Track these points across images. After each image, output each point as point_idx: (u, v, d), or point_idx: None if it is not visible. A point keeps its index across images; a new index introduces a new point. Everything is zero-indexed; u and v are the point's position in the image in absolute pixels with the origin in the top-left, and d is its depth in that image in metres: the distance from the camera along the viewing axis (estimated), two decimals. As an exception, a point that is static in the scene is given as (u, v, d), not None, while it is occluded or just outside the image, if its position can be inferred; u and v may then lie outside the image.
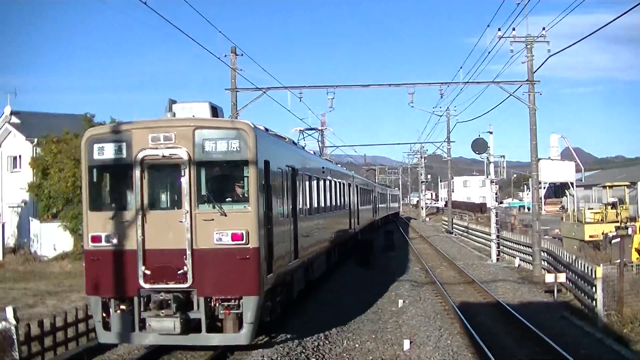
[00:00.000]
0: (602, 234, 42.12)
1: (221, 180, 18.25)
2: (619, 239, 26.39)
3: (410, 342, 20.87)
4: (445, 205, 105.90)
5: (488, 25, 49.92)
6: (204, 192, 17.76)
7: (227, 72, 39.94)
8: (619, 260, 25.68)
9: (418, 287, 33.55)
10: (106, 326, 18.09)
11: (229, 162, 17.71)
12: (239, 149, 17.44)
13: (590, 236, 43.96)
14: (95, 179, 18.42)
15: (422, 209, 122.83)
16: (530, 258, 40.47)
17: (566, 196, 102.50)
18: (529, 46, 38.51)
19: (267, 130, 20.59)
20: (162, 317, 17.47)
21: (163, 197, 18.82)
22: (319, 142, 53.43)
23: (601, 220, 45.80)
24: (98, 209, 18.17)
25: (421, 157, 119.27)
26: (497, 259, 46.78)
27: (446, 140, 79.87)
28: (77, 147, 50.10)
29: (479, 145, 47.72)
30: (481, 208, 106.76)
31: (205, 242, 17.36)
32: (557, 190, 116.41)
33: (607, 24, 23.05)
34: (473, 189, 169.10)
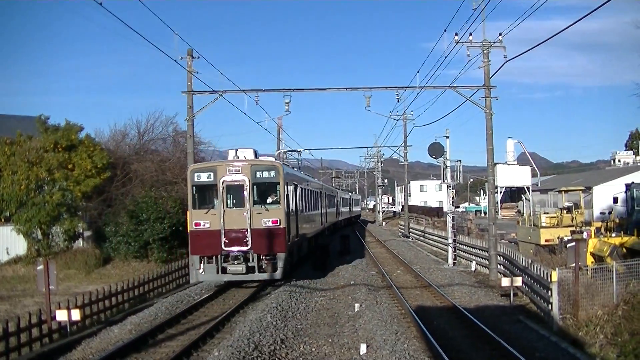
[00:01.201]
0: (558, 238, 42.42)
1: (265, 192, 33.58)
2: (574, 243, 26.56)
3: (367, 346, 20.90)
4: (402, 209, 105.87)
5: (445, 30, 49.72)
6: (256, 198, 33.20)
7: (184, 75, 39.77)
8: (574, 264, 25.89)
9: (374, 291, 33.52)
10: (202, 271, 32.56)
11: (269, 182, 33.34)
12: (275, 175, 33.27)
13: (546, 240, 44.25)
14: (195, 192, 33.30)
15: (379, 213, 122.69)
16: (487, 262, 40.53)
17: (522, 200, 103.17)
18: (485, 51, 38.64)
19: (287, 165, 42.17)
20: (235, 264, 32.30)
21: (234, 201, 33.29)
22: (299, 161, 63.66)
23: (557, 224, 46.13)
24: (198, 208, 33.11)
25: (378, 161, 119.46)
26: (454, 263, 46.84)
27: (403, 144, 79.80)
28: (31, 149, 51.20)
29: (436, 150, 47.75)
30: (438, 212, 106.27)
31: (257, 224, 32.52)
32: (514, 194, 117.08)
33: (562, 30, 23.24)
34: (430, 193, 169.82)
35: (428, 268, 44.05)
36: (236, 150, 35.49)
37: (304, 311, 28.18)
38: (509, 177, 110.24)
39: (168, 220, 49.58)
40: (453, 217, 48.72)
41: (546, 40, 25.06)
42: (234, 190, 33.29)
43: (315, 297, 31.97)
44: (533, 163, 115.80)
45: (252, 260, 32.65)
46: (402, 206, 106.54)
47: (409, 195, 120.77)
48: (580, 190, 53.84)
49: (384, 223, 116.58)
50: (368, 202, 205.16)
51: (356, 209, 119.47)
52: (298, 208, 38.20)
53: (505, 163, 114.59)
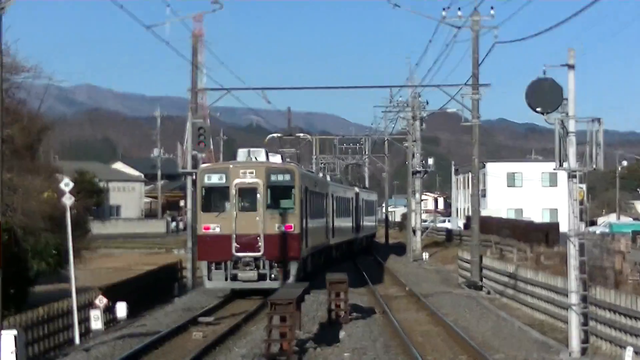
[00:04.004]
0: None
1: (280, 196, 34.61)
2: None
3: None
4: (467, 225, 71.65)
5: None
6: (270, 202, 33.96)
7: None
8: None
9: None
10: (210, 278, 33.45)
11: (284, 186, 34.41)
12: (290, 179, 34.21)
13: None
14: (205, 194, 34.30)
15: (415, 232, 65.39)
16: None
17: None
18: None
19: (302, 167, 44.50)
20: (247, 271, 32.90)
21: (247, 204, 34.05)
22: (297, 151, 57.39)
23: None
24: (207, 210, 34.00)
25: (414, 118, 64.23)
26: (583, 351, 21.55)
27: (471, 79, 40.23)
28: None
29: (544, 94, 22.18)
30: (547, 234, 64.22)
31: (271, 229, 33.29)
32: None
33: None
34: (529, 190, 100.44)
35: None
36: (249, 150, 35.95)
37: None
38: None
39: None
40: (582, 244, 21.90)
41: None
42: (247, 194, 33.75)
43: None
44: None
45: (264, 267, 33.06)
46: (467, 218, 70.21)
47: (483, 196, 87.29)
48: None
49: (425, 255, 61.65)
50: (393, 209, 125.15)
51: (368, 221, 70.80)
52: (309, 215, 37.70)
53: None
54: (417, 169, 65.25)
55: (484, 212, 71.57)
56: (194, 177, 37.88)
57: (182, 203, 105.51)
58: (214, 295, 34.61)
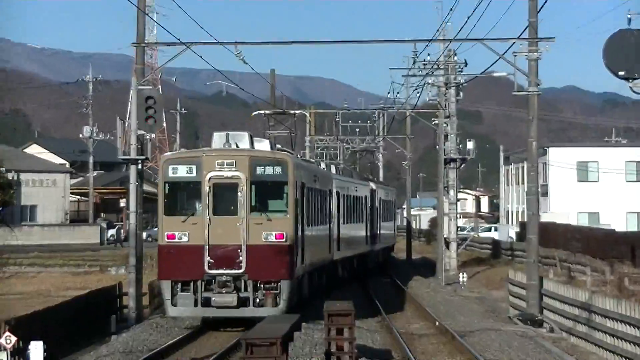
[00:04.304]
0: None
1: (268, 195, 36.06)
2: None
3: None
4: (521, 235, 72.86)
5: None
6: (255, 203, 35.30)
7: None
8: None
9: None
10: (174, 303, 34.28)
11: (274, 182, 35.57)
12: (282, 172, 35.20)
13: None
14: (168, 191, 35.73)
15: (450, 245, 66.03)
16: None
17: None
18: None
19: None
20: (223, 294, 33.92)
21: (224, 206, 35.33)
22: (291, 133, 54.93)
23: None
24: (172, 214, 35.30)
25: (447, 86, 65.25)
26: None
27: (528, 31, 40.28)
28: None
29: (630, 51, 23.23)
30: (632, 247, 65.22)
31: (256, 239, 34.36)
32: None
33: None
34: (607, 186, 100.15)
35: None
36: (227, 135, 36.84)
37: None
38: None
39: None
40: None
41: None
42: (225, 192, 34.89)
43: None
44: None
45: (246, 289, 34.13)
46: (522, 226, 72.22)
47: (543, 195, 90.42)
48: None
49: (463, 277, 60.13)
50: (413, 212, 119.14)
51: (386, 229, 72.39)
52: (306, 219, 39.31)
53: None
54: (452, 155, 65.71)
55: (545, 217, 72.95)
56: (139, 166, 38.58)
57: (122, 203, 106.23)
58: (169, 329, 34.97)
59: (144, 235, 54.72)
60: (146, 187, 48.96)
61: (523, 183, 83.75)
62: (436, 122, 66.71)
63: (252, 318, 33.64)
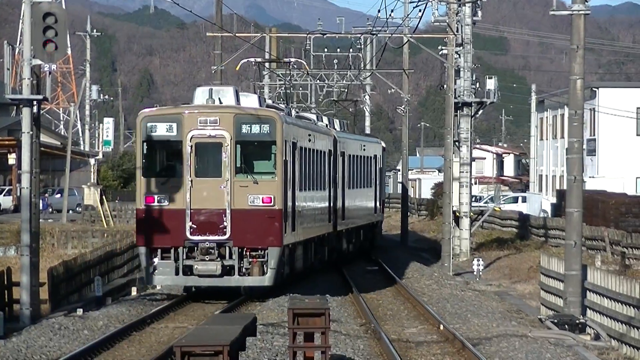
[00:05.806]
0: None
1: (254, 155, 43.25)
2: None
3: None
4: (558, 208, 77.48)
5: None
6: (240, 164, 42.36)
7: None
8: None
9: None
10: (152, 271, 41.95)
11: (261, 141, 42.67)
12: (270, 131, 42.05)
13: None
14: (147, 151, 42.55)
15: (461, 220, 68.48)
16: None
17: None
18: None
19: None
20: (206, 262, 40.98)
21: (207, 167, 42.79)
22: (285, 84, 75.03)
23: None
24: (151, 175, 42.56)
25: (460, 1, 67.96)
26: None
27: None
28: None
29: None
30: None
31: (241, 203, 41.76)
32: None
33: None
34: None
35: None
36: (210, 90, 43.16)
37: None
38: None
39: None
40: None
41: None
42: (208, 152, 42.00)
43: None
44: None
45: (231, 257, 41.10)
46: (560, 195, 72.00)
47: (590, 153, 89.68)
48: None
49: (479, 264, 60.98)
50: (411, 175, 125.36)
51: (366, 201, 68.08)
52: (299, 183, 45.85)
53: None
54: (465, 98, 66.89)
55: (592, 184, 73.73)
56: (35, 109, 38.78)
57: (12, 160, 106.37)
58: (77, 332, 35.43)
59: (41, 204, 54.63)
60: (45, 138, 49.52)
61: (562, 137, 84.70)
62: (444, 51, 66.77)
63: (237, 288, 42.44)
